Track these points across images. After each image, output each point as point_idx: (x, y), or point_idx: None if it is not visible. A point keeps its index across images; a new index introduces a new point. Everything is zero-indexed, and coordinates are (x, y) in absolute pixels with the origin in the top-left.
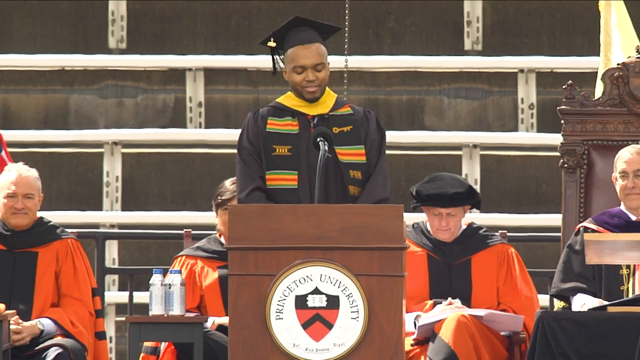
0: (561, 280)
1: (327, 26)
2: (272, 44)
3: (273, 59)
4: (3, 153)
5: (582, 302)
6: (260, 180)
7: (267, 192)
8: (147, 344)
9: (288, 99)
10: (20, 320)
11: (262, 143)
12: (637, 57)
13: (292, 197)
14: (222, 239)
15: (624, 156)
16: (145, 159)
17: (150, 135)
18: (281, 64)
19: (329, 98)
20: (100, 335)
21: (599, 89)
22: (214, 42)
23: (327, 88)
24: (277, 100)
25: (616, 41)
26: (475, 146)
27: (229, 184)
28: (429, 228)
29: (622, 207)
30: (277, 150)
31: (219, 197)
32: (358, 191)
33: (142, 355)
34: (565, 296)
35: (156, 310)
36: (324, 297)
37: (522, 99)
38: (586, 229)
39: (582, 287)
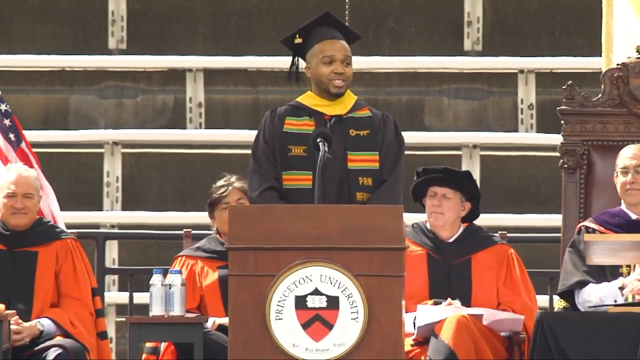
0: (568, 276)
1: (350, 32)
2: (298, 40)
3: (293, 60)
4: (23, 144)
5: (595, 290)
6: (273, 181)
7: (281, 191)
8: (148, 344)
9: (307, 98)
10: (20, 321)
11: (277, 143)
12: (637, 58)
13: (308, 196)
14: (223, 239)
15: (626, 153)
16: (145, 159)
17: (150, 135)
18: (302, 63)
19: (349, 99)
20: (103, 335)
21: None
22: (214, 43)
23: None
24: (297, 99)
25: (622, 39)
26: (475, 146)
27: (220, 182)
28: (428, 227)
29: (623, 207)
30: (293, 150)
31: (213, 195)
32: (367, 197)
33: (144, 355)
34: (572, 293)
35: (156, 310)
36: (323, 298)
37: (521, 100)
38: (587, 229)
39: (590, 280)
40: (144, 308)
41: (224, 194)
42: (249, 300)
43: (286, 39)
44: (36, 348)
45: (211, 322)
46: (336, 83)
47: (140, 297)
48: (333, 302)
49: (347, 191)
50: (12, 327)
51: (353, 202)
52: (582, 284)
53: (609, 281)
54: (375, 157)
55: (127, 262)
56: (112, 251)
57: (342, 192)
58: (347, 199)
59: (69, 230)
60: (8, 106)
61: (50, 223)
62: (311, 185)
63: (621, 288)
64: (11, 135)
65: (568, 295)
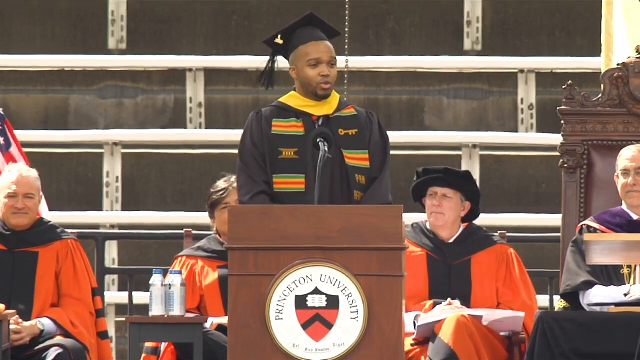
0: (573, 276)
1: (332, 29)
2: (279, 40)
3: (269, 63)
4: (13, 148)
5: (601, 292)
6: (264, 185)
7: (271, 195)
8: (147, 344)
9: (292, 99)
10: (20, 320)
11: (267, 145)
12: (637, 57)
13: (300, 200)
14: (223, 239)
15: (626, 154)
16: (145, 159)
17: (150, 135)
18: (280, 64)
19: (334, 98)
20: (103, 335)
21: None
22: (214, 42)
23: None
24: (280, 100)
25: (622, 39)
26: (475, 146)
27: (221, 182)
28: (428, 227)
29: (624, 207)
30: (284, 153)
31: (213, 196)
32: (361, 196)
33: (143, 355)
34: (575, 293)
35: (156, 310)
36: (323, 297)
37: (522, 99)
38: (588, 228)
39: (595, 281)
40: (144, 308)
41: (224, 194)
42: (248, 300)
43: (269, 40)
44: (36, 348)
45: (210, 323)
46: (323, 86)
47: (140, 297)
48: (333, 302)
49: (341, 190)
50: (12, 327)
51: (351, 200)
52: (588, 285)
53: (612, 281)
54: (366, 156)
55: (127, 262)
56: (112, 251)
57: (335, 192)
58: (343, 197)
59: (69, 231)
60: (0, 109)
61: (51, 223)
62: (303, 188)
63: (626, 295)
64: (0, 139)
65: (570, 295)
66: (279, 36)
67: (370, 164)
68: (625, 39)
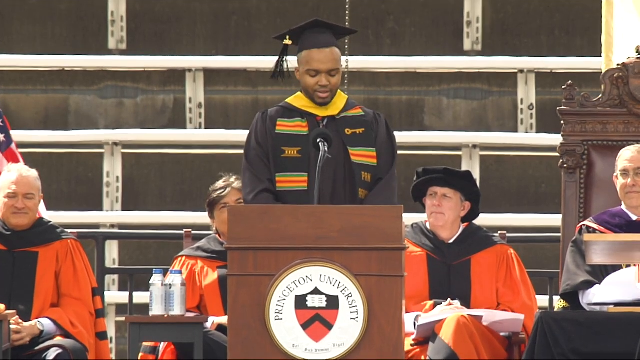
0: (572, 276)
1: (344, 29)
2: (288, 41)
3: (279, 59)
4: (13, 145)
5: (602, 290)
6: (268, 183)
7: (275, 193)
8: (145, 343)
9: (298, 100)
10: (20, 320)
11: (270, 144)
12: (637, 58)
13: (302, 198)
14: (222, 239)
15: (625, 155)
16: (145, 159)
17: (150, 135)
18: (290, 64)
19: (340, 99)
20: (102, 336)
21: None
22: (214, 43)
23: (338, 90)
24: (287, 100)
25: (622, 39)
26: (474, 146)
27: (220, 182)
28: (428, 227)
29: (623, 207)
30: (287, 152)
31: (212, 196)
32: (365, 194)
33: (140, 354)
34: (574, 293)
35: (156, 310)
36: (323, 298)
37: (521, 100)
38: (587, 228)
39: (595, 281)
40: (144, 308)
41: (223, 194)
42: (248, 300)
43: (279, 37)
44: (36, 348)
45: (210, 322)
46: (320, 95)
47: (140, 297)
48: (333, 302)
49: (344, 190)
50: (12, 327)
51: (355, 198)
52: (587, 284)
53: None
54: (373, 154)
55: (127, 262)
56: (112, 251)
57: (337, 191)
58: (346, 196)
59: (69, 230)
60: None
61: (51, 223)
62: (306, 187)
63: None
64: (0, 136)
65: (570, 295)
66: (288, 37)
67: (377, 162)
68: (626, 39)
